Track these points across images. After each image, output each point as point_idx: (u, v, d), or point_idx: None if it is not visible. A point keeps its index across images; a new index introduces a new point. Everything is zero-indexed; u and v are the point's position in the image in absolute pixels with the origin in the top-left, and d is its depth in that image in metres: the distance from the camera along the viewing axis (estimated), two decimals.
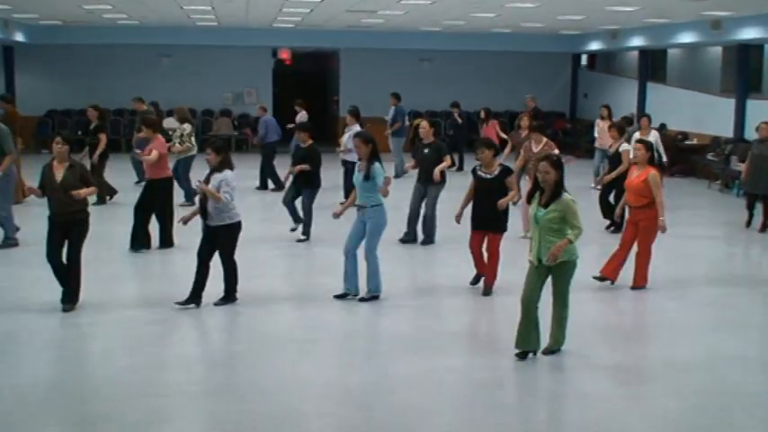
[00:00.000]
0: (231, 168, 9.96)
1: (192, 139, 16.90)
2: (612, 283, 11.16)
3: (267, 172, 19.74)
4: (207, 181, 9.84)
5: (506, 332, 8.78)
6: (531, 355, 8.33)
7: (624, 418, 7.15)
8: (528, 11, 19.64)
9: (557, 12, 20.23)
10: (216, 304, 10.08)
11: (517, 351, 8.30)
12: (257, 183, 19.85)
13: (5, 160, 13.05)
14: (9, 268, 12.12)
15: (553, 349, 8.43)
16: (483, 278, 10.85)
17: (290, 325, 9.76)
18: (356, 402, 7.47)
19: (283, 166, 16.13)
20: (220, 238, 9.92)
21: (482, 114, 22.33)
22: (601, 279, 11.15)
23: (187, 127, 16.91)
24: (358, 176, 10.29)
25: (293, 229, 13.99)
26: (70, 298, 9.87)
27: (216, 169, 9.86)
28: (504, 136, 21.25)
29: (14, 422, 6.99)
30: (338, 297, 10.42)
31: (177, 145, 16.46)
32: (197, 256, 9.98)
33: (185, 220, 10.37)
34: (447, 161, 13.44)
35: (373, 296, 10.40)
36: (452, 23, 24.00)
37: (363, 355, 8.79)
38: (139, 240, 13.02)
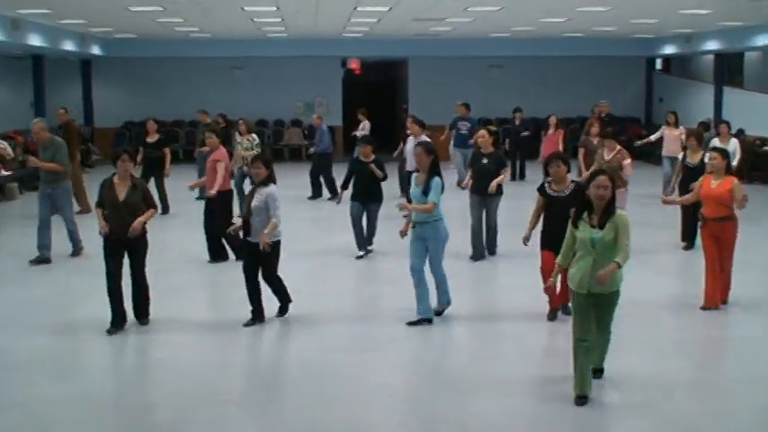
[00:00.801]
0: (275, 182, 9.81)
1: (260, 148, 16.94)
2: (724, 303, 10.50)
3: (326, 181, 19.68)
4: (252, 195, 9.69)
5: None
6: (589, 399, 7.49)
7: None
8: (599, 15, 19.35)
9: (628, 15, 19.92)
10: (277, 316, 10.09)
11: (579, 395, 7.45)
12: (309, 192, 19.83)
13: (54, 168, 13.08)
14: (74, 278, 12.33)
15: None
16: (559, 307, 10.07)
17: (353, 338, 9.61)
18: (421, 415, 7.40)
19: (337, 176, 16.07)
20: (263, 256, 9.62)
21: (552, 121, 21.39)
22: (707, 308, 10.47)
23: (256, 137, 16.97)
24: (415, 191, 9.75)
25: (360, 257, 13.44)
26: (144, 313, 9.88)
27: (262, 183, 9.67)
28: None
29: (82, 430, 7.11)
30: (412, 324, 9.83)
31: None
32: (243, 273, 9.80)
33: (234, 231, 10.40)
34: (506, 172, 13.15)
35: (444, 308, 10.18)
36: (522, 29, 23.78)
37: (428, 369, 8.62)
38: (216, 252, 13.08)
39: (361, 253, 13.48)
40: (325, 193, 19.71)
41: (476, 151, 13.61)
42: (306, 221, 16.73)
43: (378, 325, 10.00)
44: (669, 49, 27.60)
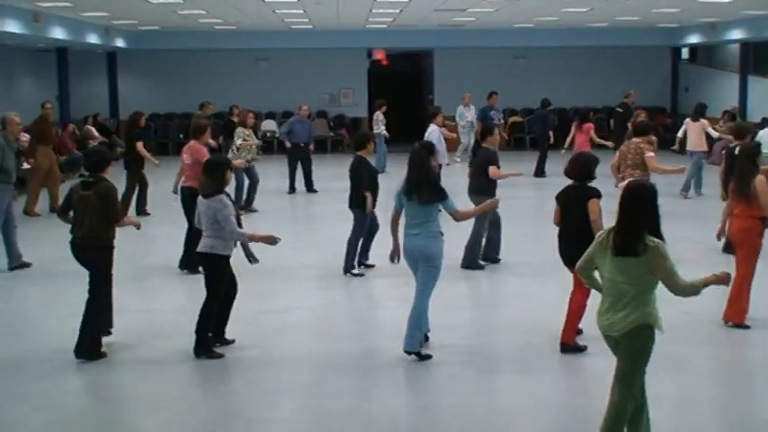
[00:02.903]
0: None
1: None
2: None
3: (292, 174, 19.58)
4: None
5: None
6: None
7: None
8: (621, 4, 19.26)
9: (649, 5, 19.78)
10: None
11: None
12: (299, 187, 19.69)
13: None
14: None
15: None
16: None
17: (323, 379, 8.09)
18: None
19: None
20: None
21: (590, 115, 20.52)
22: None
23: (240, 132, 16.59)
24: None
25: (355, 274, 11.68)
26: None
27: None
28: (602, 141, 19.88)
29: None
30: (424, 358, 8.36)
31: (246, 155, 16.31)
32: (223, 294, 8.62)
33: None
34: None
35: (416, 352, 8.32)
36: (545, 19, 23.69)
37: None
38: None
39: (355, 271, 11.69)
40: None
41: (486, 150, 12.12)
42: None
43: (358, 368, 8.34)
44: (694, 39, 27.33)
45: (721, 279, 5.87)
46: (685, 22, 25.90)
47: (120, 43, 26.15)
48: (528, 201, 17.76)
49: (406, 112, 29.03)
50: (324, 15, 22.02)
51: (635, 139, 12.10)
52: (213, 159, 9.03)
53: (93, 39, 23.45)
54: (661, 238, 5.77)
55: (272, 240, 8.56)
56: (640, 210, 5.76)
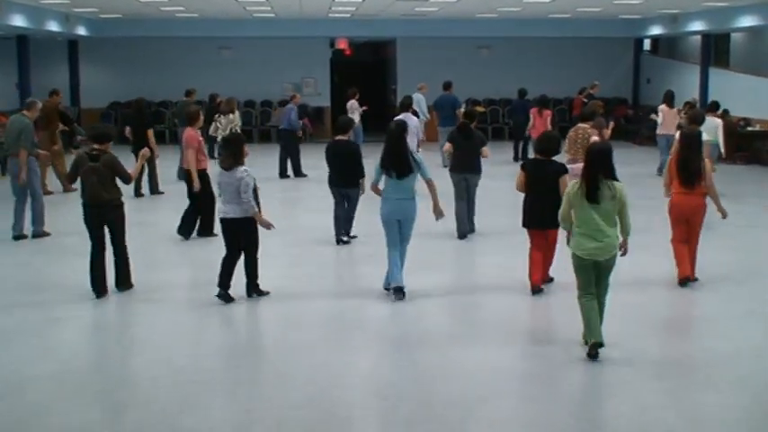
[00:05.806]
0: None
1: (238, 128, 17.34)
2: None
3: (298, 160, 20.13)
4: None
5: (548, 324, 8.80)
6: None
7: (659, 412, 6.91)
8: None
9: None
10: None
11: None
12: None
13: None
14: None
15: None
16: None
17: (325, 318, 9.53)
18: (396, 394, 7.22)
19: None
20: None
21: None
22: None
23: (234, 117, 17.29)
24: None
25: (339, 242, 12.86)
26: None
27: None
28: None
29: (50, 407, 7.05)
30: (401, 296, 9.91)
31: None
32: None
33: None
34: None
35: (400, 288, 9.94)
36: (508, 10, 23.76)
37: (403, 349, 8.46)
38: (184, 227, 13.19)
39: (344, 238, 12.85)
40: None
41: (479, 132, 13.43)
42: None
43: (355, 304, 9.92)
44: (656, 30, 27.56)
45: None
46: (647, 14, 26.11)
47: (81, 31, 25.90)
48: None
49: (370, 101, 28.93)
50: (286, 3, 21.96)
51: (581, 125, 12.76)
52: (232, 135, 10.39)
53: (53, 26, 23.22)
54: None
55: (267, 225, 9.74)
56: (604, 164, 7.79)
